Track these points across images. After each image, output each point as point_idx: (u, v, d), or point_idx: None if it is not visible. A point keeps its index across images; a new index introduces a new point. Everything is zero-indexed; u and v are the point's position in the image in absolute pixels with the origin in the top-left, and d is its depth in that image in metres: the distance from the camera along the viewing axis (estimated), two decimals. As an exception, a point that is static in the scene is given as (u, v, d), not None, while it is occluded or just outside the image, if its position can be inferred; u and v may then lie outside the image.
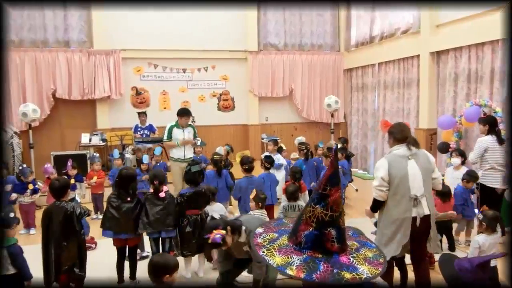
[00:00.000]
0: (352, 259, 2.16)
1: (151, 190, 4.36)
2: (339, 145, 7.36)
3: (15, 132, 8.79)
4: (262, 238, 2.30)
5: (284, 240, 2.27)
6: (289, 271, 2.02)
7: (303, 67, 11.16)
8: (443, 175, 6.50)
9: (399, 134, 3.62)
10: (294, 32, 11.23)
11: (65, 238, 3.77)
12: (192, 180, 4.51)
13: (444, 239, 5.04)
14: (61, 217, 3.76)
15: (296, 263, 2.07)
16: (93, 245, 5.33)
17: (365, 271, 2.09)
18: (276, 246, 2.21)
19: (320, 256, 2.12)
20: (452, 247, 5.07)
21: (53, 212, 3.79)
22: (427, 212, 3.54)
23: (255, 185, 5.10)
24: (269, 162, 5.64)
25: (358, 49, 10.83)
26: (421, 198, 3.51)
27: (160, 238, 4.41)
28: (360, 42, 10.64)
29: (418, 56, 8.39)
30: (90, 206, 6.32)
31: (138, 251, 4.93)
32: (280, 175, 6.46)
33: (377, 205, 3.67)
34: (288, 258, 2.10)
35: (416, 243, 3.59)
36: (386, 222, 3.60)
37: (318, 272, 2.03)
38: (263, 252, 2.17)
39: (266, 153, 6.92)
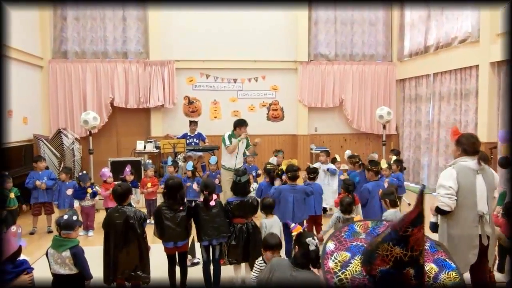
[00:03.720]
0: None
1: (201, 199, 4.37)
2: (395, 157, 7.16)
3: (76, 138, 9.30)
4: (333, 261, 2.12)
5: (356, 264, 2.10)
6: None
7: (354, 77, 11.01)
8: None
9: (470, 147, 3.42)
10: (345, 42, 11.13)
11: (126, 242, 3.92)
12: (242, 191, 4.51)
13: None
14: (122, 221, 3.92)
15: None
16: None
17: None
18: (349, 274, 2.06)
19: None
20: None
21: (115, 216, 3.96)
22: (489, 231, 3.37)
23: (297, 192, 5.08)
24: (312, 173, 5.58)
25: (411, 59, 10.54)
26: (486, 216, 3.36)
27: (211, 245, 4.47)
28: (414, 52, 10.36)
29: (477, 66, 8.04)
30: (144, 211, 6.49)
31: (190, 257, 5.05)
32: (335, 184, 6.35)
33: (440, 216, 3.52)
34: None
35: (477, 262, 3.40)
36: (451, 236, 3.40)
37: None
38: (335, 283, 2.03)
39: (316, 164, 6.84)
